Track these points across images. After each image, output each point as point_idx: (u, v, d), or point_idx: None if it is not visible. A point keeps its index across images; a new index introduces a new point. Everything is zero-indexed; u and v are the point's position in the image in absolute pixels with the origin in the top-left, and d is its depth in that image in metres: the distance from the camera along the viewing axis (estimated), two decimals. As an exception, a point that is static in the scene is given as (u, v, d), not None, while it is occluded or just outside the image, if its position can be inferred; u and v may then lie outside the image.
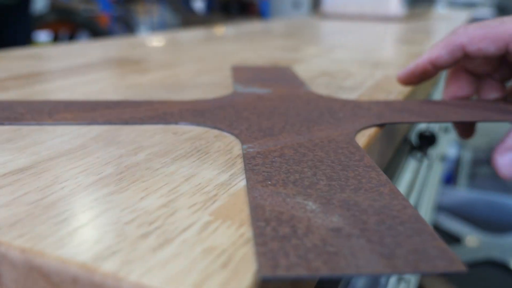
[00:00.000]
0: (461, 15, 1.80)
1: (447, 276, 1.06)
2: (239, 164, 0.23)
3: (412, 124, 0.49)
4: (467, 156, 2.14)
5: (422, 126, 0.63)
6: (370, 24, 1.20)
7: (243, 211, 0.18)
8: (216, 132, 0.29)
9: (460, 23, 1.31)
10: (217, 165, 0.23)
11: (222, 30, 1.00)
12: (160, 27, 4.47)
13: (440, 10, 2.15)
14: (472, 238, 1.19)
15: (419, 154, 0.58)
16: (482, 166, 2.04)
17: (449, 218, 1.33)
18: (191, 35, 0.88)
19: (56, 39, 3.01)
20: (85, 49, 0.63)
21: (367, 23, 1.22)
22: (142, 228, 0.17)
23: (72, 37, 3.10)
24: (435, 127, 0.87)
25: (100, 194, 0.20)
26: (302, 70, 0.50)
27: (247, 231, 0.17)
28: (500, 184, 1.83)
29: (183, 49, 0.67)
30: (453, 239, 1.22)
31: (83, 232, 0.17)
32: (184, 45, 0.71)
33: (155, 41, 0.76)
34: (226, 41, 0.78)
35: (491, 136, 2.22)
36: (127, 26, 3.98)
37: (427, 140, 0.56)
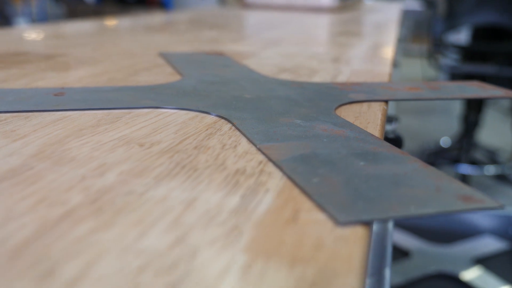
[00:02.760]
0: (392, 7, 1.88)
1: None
2: (245, 182, 0.21)
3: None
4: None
5: (387, 128, 0.63)
6: (301, 15, 1.21)
7: (285, 243, 0.16)
8: (194, 142, 0.26)
9: (392, 15, 1.37)
10: (216, 185, 0.21)
11: (123, 21, 0.96)
12: (41, 18, 4.24)
13: (368, 2, 2.25)
14: (421, 251, 1.24)
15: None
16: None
17: (395, 230, 1.37)
18: (89, 26, 0.83)
19: None
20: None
21: (298, 14, 1.23)
22: (164, 278, 0.14)
23: None
24: (401, 130, 0.89)
25: (80, 233, 0.16)
26: (256, 65, 0.48)
27: (306, 270, 0.15)
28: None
29: (94, 41, 0.62)
30: (401, 253, 1.26)
31: (80, 290, 0.13)
32: (86, 37, 0.66)
33: (43, 33, 0.71)
34: (149, 32, 0.74)
35: (423, 140, 2.36)
36: (2, 17, 3.73)
37: (393, 143, 0.56)
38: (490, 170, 2.30)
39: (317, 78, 0.43)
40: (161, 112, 0.31)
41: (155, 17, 1.05)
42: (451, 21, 2.54)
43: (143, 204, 0.19)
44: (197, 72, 0.43)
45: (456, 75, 3.57)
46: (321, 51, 0.61)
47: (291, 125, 0.29)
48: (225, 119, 0.30)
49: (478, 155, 2.46)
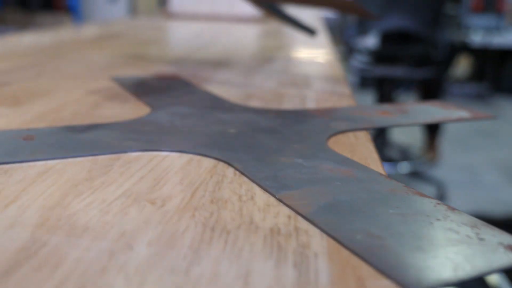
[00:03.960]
0: (311, 14, 1.92)
1: None
2: (287, 246, 0.19)
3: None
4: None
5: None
6: (229, 25, 1.20)
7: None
8: (206, 194, 0.24)
9: (314, 22, 1.39)
10: (260, 251, 0.19)
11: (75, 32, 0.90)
12: None
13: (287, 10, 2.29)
14: None
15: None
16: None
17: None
18: (13, 43, 0.78)
19: None
20: None
21: (225, 24, 1.22)
22: None
23: None
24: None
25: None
26: (219, 91, 0.47)
27: None
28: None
29: (31, 62, 0.58)
30: None
31: None
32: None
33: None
34: (82, 49, 0.69)
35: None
36: None
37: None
38: (404, 167, 2.42)
39: (288, 104, 0.43)
40: (152, 156, 0.29)
41: (76, 30, 0.99)
42: (362, 26, 2.64)
43: (197, 285, 0.17)
44: (164, 102, 0.41)
45: (366, 78, 3.72)
46: (275, 68, 0.60)
47: (295, 166, 0.28)
48: (224, 161, 0.28)
49: (392, 153, 2.58)
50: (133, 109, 0.39)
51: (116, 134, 0.32)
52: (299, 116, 0.38)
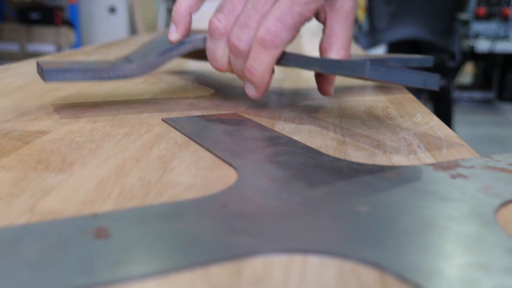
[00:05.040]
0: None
1: None
2: None
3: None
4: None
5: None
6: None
7: None
8: None
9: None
10: None
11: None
12: None
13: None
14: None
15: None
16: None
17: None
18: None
19: None
20: None
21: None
22: None
23: None
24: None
25: None
26: (297, 135, 0.38)
27: None
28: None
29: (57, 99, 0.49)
30: None
31: None
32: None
33: None
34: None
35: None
36: None
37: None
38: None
39: (395, 155, 0.34)
40: (284, 264, 0.20)
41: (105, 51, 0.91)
42: (373, 37, 2.56)
43: None
44: (246, 158, 0.32)
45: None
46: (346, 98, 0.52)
47: (467, 271, 0.19)
48: (379, 267, 0.20)
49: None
50: (210, 169, 0.30)
51: (219, 224, 0.23)
52: (432, 180, 0.29)
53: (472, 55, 3.81)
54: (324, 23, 0.44)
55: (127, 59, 0.48)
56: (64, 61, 0.49)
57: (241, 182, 0.28)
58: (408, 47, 2.53)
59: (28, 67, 0.70)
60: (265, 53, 0.41)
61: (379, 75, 0.34)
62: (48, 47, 4.15)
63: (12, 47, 4.23)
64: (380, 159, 0.33)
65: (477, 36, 3.84)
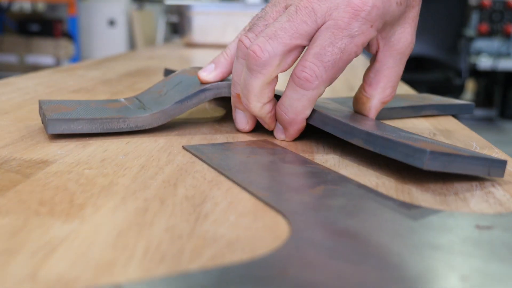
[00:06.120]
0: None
1: None
2: None
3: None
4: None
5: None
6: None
7: None
8: None
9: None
10: None
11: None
12: None
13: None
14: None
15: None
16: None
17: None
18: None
19: None
20: None
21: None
22: None
23: None
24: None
25: None
26: (341, 170, 0.32)
27: None
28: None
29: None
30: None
31: None
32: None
33: None
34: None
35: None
36: None
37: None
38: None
39: (471, 199, 0.28)
40: None
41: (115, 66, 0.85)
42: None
43: None
44: (298, 205, 0.26)
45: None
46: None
47: None
48: None
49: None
50: (253, 217, 0.25)
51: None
52: None
53: (474, 72, 3.78)
54: (375, 55, 0.39)
55: (140, 102, 0.42)
56: (69, 102, 0.42)
57: (297, 237, 0.22)
58: (413, 63, 2.49)
59: (28, 81, 0.64)
60: (299, 93, 0.35)
61: (439, 165, 0.28)
62: (47, 59, 4.11)
63: (11, 58, 4.17)
64: (456, 204, 0.27)
65: (479, 53, 3.81)
